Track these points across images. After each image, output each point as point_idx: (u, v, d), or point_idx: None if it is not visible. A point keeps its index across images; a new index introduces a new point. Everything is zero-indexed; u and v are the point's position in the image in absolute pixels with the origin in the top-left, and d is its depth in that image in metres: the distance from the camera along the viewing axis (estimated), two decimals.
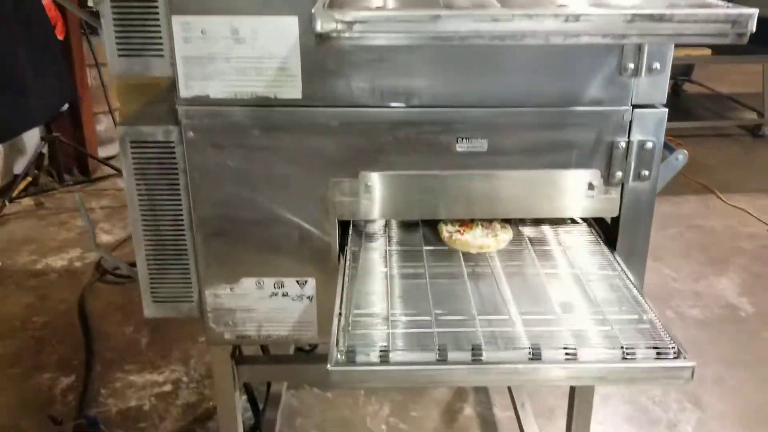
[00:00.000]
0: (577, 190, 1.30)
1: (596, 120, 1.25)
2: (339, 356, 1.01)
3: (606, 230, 1.39)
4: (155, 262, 1.37)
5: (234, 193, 1.29)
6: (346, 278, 1.23)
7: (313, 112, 1.24)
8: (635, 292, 1.18)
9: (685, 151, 1.31)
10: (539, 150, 1.27)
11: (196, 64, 1.21)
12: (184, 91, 1.23)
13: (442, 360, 1.02)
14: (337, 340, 1.03)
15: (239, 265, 1.34)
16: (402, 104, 1.24)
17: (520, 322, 1.10)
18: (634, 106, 1.25)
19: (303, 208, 1.30)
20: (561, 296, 1.18)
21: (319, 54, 1.19)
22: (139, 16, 1.22)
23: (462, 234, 1.34)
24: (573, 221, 1.44)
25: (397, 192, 1.30)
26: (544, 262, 1.30)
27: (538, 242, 1.39)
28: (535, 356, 1.01)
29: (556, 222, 1.44)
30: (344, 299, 1.15)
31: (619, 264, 1.27)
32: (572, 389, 1.49)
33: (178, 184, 1.31)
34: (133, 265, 1.40)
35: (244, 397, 2.41)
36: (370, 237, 1.39)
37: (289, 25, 1.18)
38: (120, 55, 1.25)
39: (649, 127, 1.26)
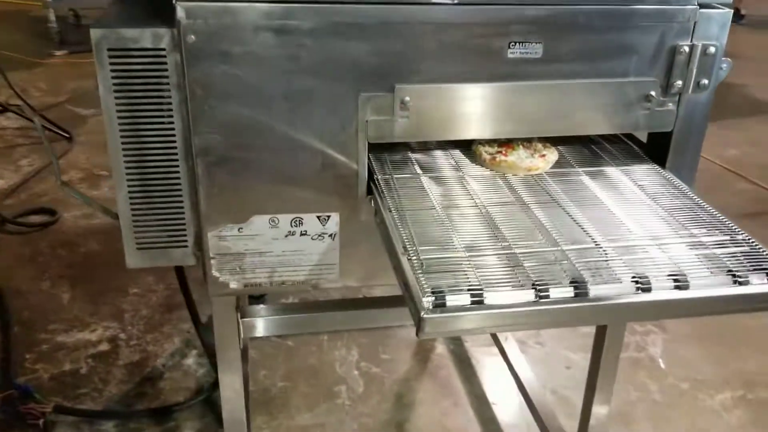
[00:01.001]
0: (634, 103, 1.18)
1: (660, 20, 1.13)
2: (427, 301, 0.84)
3: (648, 147, 1.28)
4: (141, 200, 1.14)
5: (245, 113, 1.07)
6: (393, 211, 1.05)
7: (342, 9, 1.04)
8: (713, 211, 1.08)
9: (729, 60, 1.21)
10: (597, 56, 1.14)
11: None
12: None
13: (544, 298, 0.87)
14: (419, 283, 0.87)
15: (250, 201, 1.14)
16: (450, 0, 1.05)
17: (612, 250, 0.97)
18: (700, 6, 1.13)
19: (327, 130, 1.10)
20: (638, 220, 1.07)
21: None
22: None
23: (506, 155, 1.19)
24: (609, 139, 1.33)
25: (439, 108, 1.13)
26: (601, 184, 1.18)
27: (585, 163, 1.26)
28: (644, 288, 0.89)
29: (593, 141, 1.32)
30: (403, 235, 0.98)
31: (680, 183, 1.17)
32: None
33: (170, 103, 1.08)
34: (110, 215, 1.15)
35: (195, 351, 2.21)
36: (395, 165, 1.21)
37: None
38: None
39: (713, 29, 1.15)
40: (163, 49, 1.05)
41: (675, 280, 0.92)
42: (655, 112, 1.20)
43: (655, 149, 1.27)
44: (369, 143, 1.13)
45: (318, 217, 1.17)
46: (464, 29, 1.09)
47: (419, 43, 1.08)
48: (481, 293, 0.87)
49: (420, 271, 0.91)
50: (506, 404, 2.05)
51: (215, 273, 1.18)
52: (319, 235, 1.19)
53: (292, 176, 1.13)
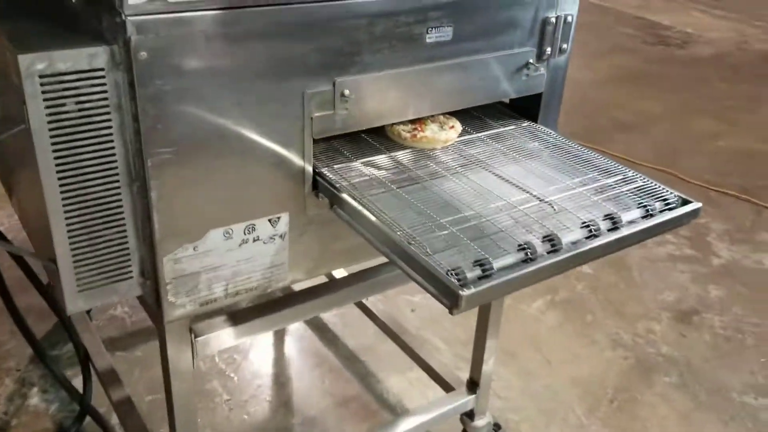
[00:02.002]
0: (517, 71, 1.36)
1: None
2: (454, 278, 0.95)
3: (518, 108, 1.48)
4: (82, 238, 1.05)
5: (198, 126, 1.04)
6: (360, 197, 1.12)
7: (289, 9, 1.06)
8: (598, 156, 1.33)
9: None
10: (491, 33, 1.30)
11: None
12: None
13: (535, 258, 1.03)
14: (438, 265, 0.97)
15: (204, 216, 1.11)
16: None
17: (556, 202, 1.16)
18: None
19: (276, 131, 1.12)
20: (557, 172, 1.27)
21: None
22: None
23: (423, 131, 1.31)
24: (483, 107, 1.50)
25: (373, 97, 1.20)
26: (505, 145, 1.36)
27: (481, 128, 1.43)
28: (594, 234, 1.10)
29: (472, 110, 1.48)
30: (385, 219, 1.07)
31: (560, 136, 1.41)
32: None
33: (110, 127, 1.00)
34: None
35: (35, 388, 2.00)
36: (329, 157, 1.26)
37: None
38: None
39: (570, 1, 1.36)
40: (101, 69, 0.97)
41: (612, 221, 1.13)
42: (531, 77, 1.40)
43: (525, 109, 1.48)
44: (313, 139, 1.16)
45: (269, 220, 1.18)
46: (391, 20, 1.16)
47: (355, 36, 1.14)
48: (492, 266, 1.00)
49: (430, 254, 1.00)
50: (374, 356, 2.20)
51: (171, 298, 1.13)
52: (271, 238, 1.20)
53: (244, 182, 1.13)
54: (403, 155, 1.31)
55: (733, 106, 4.45)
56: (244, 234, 1.16)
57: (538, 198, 1.20)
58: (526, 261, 1.04)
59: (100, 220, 1.06)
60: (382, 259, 1.32)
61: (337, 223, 1.21)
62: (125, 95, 0.99)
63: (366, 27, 1.14)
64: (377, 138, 1.34)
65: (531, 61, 1.38)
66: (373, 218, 1.09)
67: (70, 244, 1.04)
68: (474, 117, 1.47)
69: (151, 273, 1.12)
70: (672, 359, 2.30)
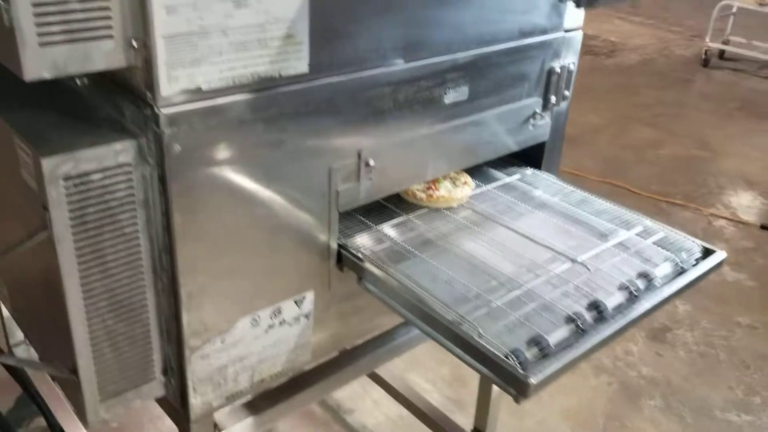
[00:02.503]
0: (524, 121, 1.36)
1: (543, 49, 1.31)
2: (514, 362, 0.93)
3: (520, 155, 1.48)
4: (104, 343, 0.97)
5: (228, 214, 0.98)
6: (389, 269, 1.09)
7: (319, 86, 1.01)
8: (613, 205, 1.34)
9: None
10: (502, 87, 1.29)
11: (185, 44, 0.85)
12: (167, 87, 0.85)
13: (586, 329, 1.02)
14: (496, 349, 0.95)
15: (232, 306, 1.05)
16: (401, 60, 1.09)
17: (587, 262, 1.16)
18: (566, 31, 1.34)
19: (303, 209, 1.07)
20: (573, 224, 1.27)
21: (329, 9, 0.96)
22: None
23: (437, 190, 1.28)
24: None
25: (395, 162, 1.17)
26: (516, 197, 1.36)
27: (487, 180, 1.41)
28: (651, 285, 1.10)
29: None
30: (421, 295, 1.04)
31: (567, 184, 1.41)
32: None
33: (136, 224, 0.93)
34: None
35: None
36: (348, 227, 1.22)
37: None
38: (42, 44, 0.78)
39: (573, 49, 1.37)
40: (128, 165, 0.89)
41: (647, 279, 1.14)
42: (537, 126, 1.39)
43: (528, 156, 1.47)
44: (338, 213, 1.12)
45: (295, 301, 1.13)
46: (414, 85, 1.13)
47: (380, 105, 1.10)
48: (548, 343, 0.98)
49: (482, 335, 0.97)
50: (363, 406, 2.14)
51: (197, 396, 1.06)
52: (296, 319, 1.14)
53: (271, 265, 1.07)
54: (420, 217, 1.28)
55: (666, 113, 4.62)
56: (271, 318, 1.10)
57: (566, 256, 1.19)
58: (578, 332, 1.03)
59: (124, 323, 0.98)
60: (398, 320, 1.30)
61: (359, 295, 1.17)
62: (153, 190, 0.92)
63: (390, 95, 1.11)
64: (392, 200, 1.30)
65: (537, 111, 1.38)
66: (413, 297, 1.05)
67: (93, 352, 0.96)
68: (478, 168, 1.45)
69: (176, 372, 1.05)
70: (653, 380, 2.34)
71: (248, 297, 1.06)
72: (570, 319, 1.04)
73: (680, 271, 1.18)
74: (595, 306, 1.07)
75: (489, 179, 1.43)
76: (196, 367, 1.04)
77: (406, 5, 1.07)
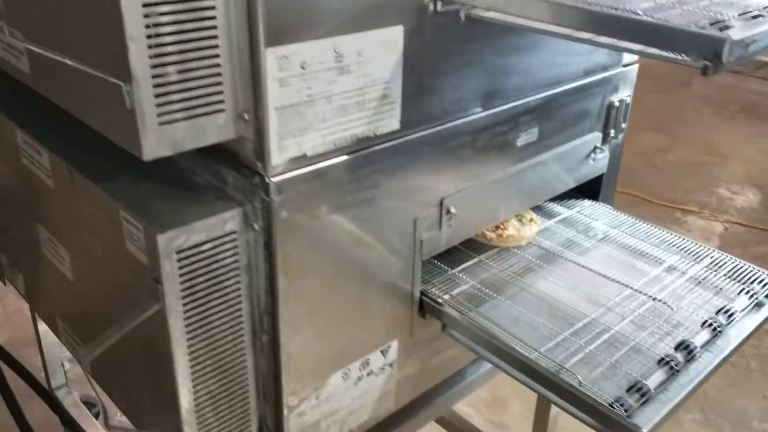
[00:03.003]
0: (587, 156, 1.37)
1: (603, 84, 1.33)
2: (620, 411, 0.94)
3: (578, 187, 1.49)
4: (207, 408, 0.97)
5: (327, 272, 0.99)
6: (475, 313, 1.10)
7: (409, 142, 1.02)
8: (675, 236, 1.36)
9: None
10: (568, 125, 1.30)
11: (294, 113, 0.86)
12: (277, 156, 0.86)
13: (680, 370, 1.04)
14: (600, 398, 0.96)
15: (326, 363, 1.05)
16: (480, 109, 1.11)
17: (665, 299, 1.17)
18: (624, 65, 1.36)
19: (390, 261, 1.08)
20: (640, 258, 1.29)
21: (418, 67, 0.97)
22: (190, 59, 0.78)
23: (506, 230, 1.29)
24: None
25: (472, 207, 1.18)
26: (579, 231, 1.37)
27: (549, 215, 1.43)
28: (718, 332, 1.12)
29: None
30: (511, 342, 1.05)
31: (629, 216, 1.43)
32: None
33: (239, 288, 0.94)
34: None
35: None
36: (425, 271, 1.23)
37: (395, 38, 0.93)
38: (162, 123, 0.79)
39: (630, 83, 1.39)
40: (235, 232, 0.90)
41: (726, 312, 1.16)
42: (597, 160, 1.41)
43: (586, 187, 1.48)
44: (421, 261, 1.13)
45: (381, 351, 1.13)
46: (491, 131, 1.14)
47: (461, 154, 1.11)
48: (648, 388, 0.99)
49: (582, 384, 0.99)
50: None
51: None
52: (381, 368, 1.15)
53: (360, 319, 1.08)
54: (491, 257, 1.29)
55: (668, 119, 4.66)
56: (360, 370, 1.11)
57: (645, 294, 1.20)
58: (673, 374, 1.04)
59: (225, 387, 0.98)
60: (471, 358, 1.31)
61: (438, 339, 1.18)
62: (256, 254, 0.92)
63: (470, 143, 1.12)
64: (462, 242, 1.31)
65: (598, 145, 1.39)
66: (502, 344, 1.07)
67: (197, 418, 0.96)
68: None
69: (271, 430, 1.05)
70: None
71: (340, 352, 1.06)
72: (663, 361, 1.05)
73: (757, 303, 1.20)
74: (685, 346, 1.08)
75: (550, 214, 1.44)
76: (292, 425, 1.04)
77: (485, 56, 1.08)
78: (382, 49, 0.92)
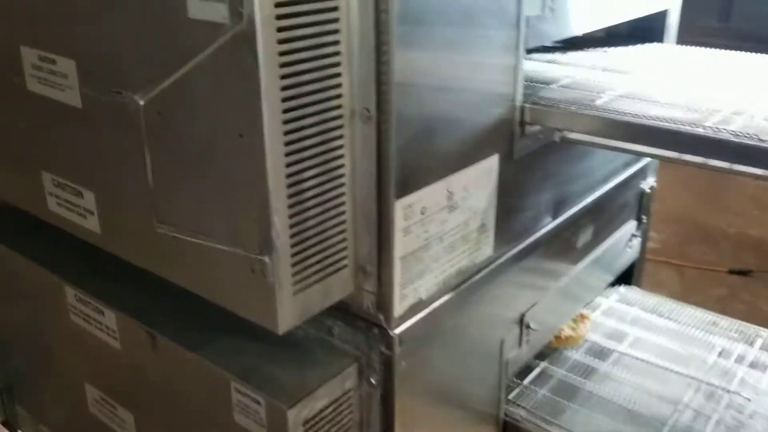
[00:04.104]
0: (624, 245, 1.40)
1: (639, 174, 1.36)
2: None
3: None
4: None
5: (431, 411, 0.95)
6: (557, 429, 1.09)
7: (499, 266, 1.01)
8: (718, 317, 1.39)
9: None
10: (613, 218, 1.32)
11: (414, 260, 0.83)
12: (399, 306, 0.83)
13: None
14: None
15: None
16: (551, 219, 1.11)
17: (742, 391, 1.19)
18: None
19: (479, 387, 1.06)
20: (689, 344, 1.31)
21: (507, 190, 0.96)
22: (324, 220, 0.75)
23: (563, 331, 1.29)
24: None
25: (545, 316, 1.17)
26: (626, 322, 1.39)
27: (593, 307, 1.43)
28: None
29: None
30: None
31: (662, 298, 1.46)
32: None
33: None
34: None
35: None
36: None
37: (491, 166, 0.92)
38: (296, 292, 0.74)
39: (654, 168, 1.43)
40: (350, 390, 0.85)
41: None
42: (632, 247, 1.43)
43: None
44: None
45: None
46: (561, 237, 1.14)
47: (537, 265, 1.11)
48: None
49: None
50: None
51: None
52: None
53: None
54: (553, 361, 1.28)
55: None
56: None
57: (717, 386, 1.22)
58: None
59: None
60: None
61: None
62: (368, 409, 0.87)
63: (543, 253, 1.11)
64: None
65: (634, 232, 1.42)
66: None
67: None
68: None
69: None
70: None
71: None
72: None
73: None
74: None
75: (591, 305, 1.45)
76: None
77: (558, 168, 1.08)
78: (482, 180, 0.90)
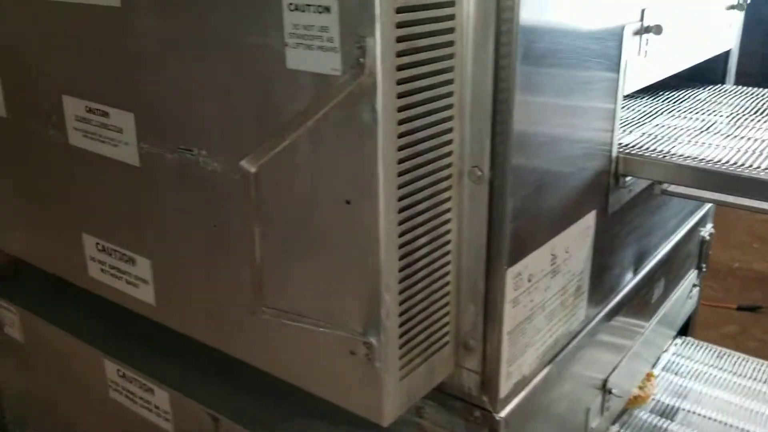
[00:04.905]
0: (686, 297, 1.32)
1: (701, 221, 1.29)
2: None
3: None
4: None
5: None
6: None
7: (588, 332, 0.92)
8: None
9: None
10: (680, 270, 1.25)
11: (519, 333, 0.74)
12: (505, 386, 0.74)
13: None
14: None
15: None
16: (631, 274, 1.03)
17: None
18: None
19: None
20: (756, 400, 1.23)
21: (599, 248, 0.88)
22: (430, 294, 0.66)
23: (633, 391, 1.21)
24: None
25: (623, 381, 1.08)
26: (691, 378, 1.31)
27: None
28: None
29: None
30: None
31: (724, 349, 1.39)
32: None
33: None
34: None
35: None
36: None
37: (589, 224, 0.84)
38: (402, 377, 0.65)
39: (711, 215, 1.36)
40: None
41: None
42: (692, 297, 1.36)
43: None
44: None
45: None
46: (638, 294, 1.06)
47: (615, 328, 1.02)
48: None
49: None
50: None
51: None
52: None
53: None
54: (624, 424, 1.19)
55: None
56: None
57: None
58: None
59: None
60: None
61: None
62: None
63: (623, 312, 1.03)
64: None
65: (695, 282, 1.34)
66: None
67: None
68: None
69: None
70: None
71: None
72: None
73: None
74: None
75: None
76: None
77: (641, 220, 1.01)
78: (580, 239, 0.82)
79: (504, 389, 0.74)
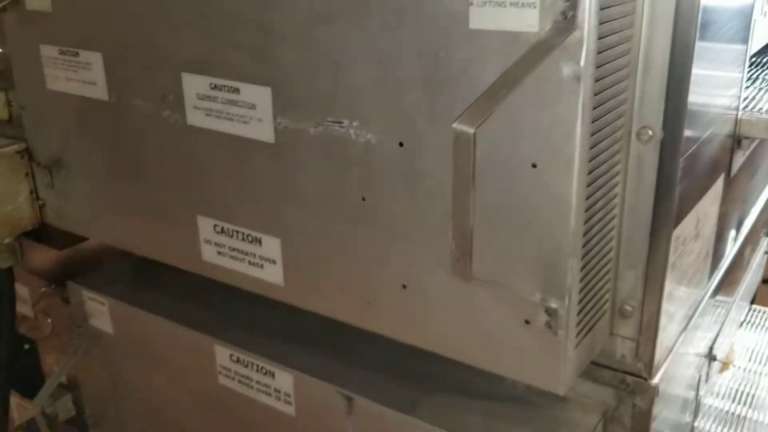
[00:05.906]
0: (759, 261, 1.32)
1: None
2: None
3: None
4: None
5: None
6: None
7: (707, 297, 0.91)
8: None
9: None
10: (759, 232, 1.24)
11: (672, 299, 0.73)
12: (659, 352, 0.73)
13: None
14: None
15: None
16: (734, 241, 1.02)
17: None
18: None
19: None
20: None
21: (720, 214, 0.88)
22: (599, 261, 0.65)
23: None
24: None
25: (720, 344, 1.08)
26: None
27: None
28: None
29: None
30: None
31: None
32: None
33: None
34: None
35: None
36: None
37: (718, 188, 0.83)
38: (578, 345, 0.64)
39: None
40: None
41: None
42: (761, 265, 1.35)
43: None
44: None
45: None
46: (737, 260, 1.05)
47: None
48: None
49: None
50: None
51: None
52: None
53: None
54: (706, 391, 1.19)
55: None
56: None
57: None
58: None
59: None
60: None
61: None
62: None
63: (728, 276, 1.02)
64: None
65: (766, 250, 1.34)
66: None
67: None
68: None
69: None
70: None
71: None
72: None
73: None
74: None
75: None
76: None
77: (746, 182, 1.00)
78: (712, 203, 0.81)
79: (659, 356, 0.73)
